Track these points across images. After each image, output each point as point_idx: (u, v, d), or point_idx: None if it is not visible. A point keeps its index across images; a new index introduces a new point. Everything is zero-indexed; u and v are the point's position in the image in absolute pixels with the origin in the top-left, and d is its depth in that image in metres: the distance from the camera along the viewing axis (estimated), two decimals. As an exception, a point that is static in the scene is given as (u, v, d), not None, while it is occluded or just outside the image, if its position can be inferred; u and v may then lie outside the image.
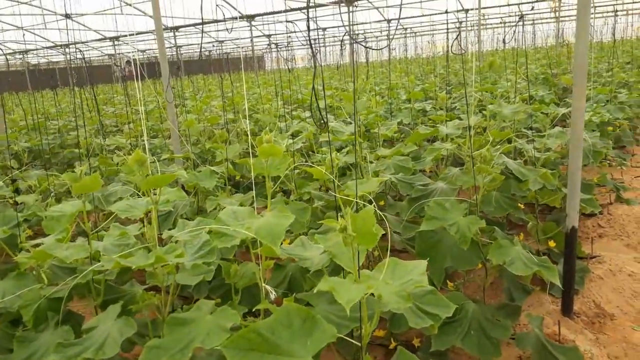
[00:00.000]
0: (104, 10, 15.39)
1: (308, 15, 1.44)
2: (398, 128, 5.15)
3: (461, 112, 5.40)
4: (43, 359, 1.70)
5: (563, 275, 2.92)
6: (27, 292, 1.99)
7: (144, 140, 6.02)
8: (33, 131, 7.63)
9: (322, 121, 1.54)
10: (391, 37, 19.27)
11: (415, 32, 26.28)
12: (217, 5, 2.66)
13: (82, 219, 1.91)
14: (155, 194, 1.67)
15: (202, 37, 2.75)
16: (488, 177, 2.44)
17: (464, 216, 2.26)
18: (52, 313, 1.98)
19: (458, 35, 2.34)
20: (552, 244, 3.38)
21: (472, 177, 2.38)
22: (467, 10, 16.76)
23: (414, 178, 3.04)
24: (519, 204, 3.55)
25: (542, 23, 22.25)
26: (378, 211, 3.09)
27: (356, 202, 1.63)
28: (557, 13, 16.23)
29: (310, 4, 14.57)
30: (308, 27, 1.47)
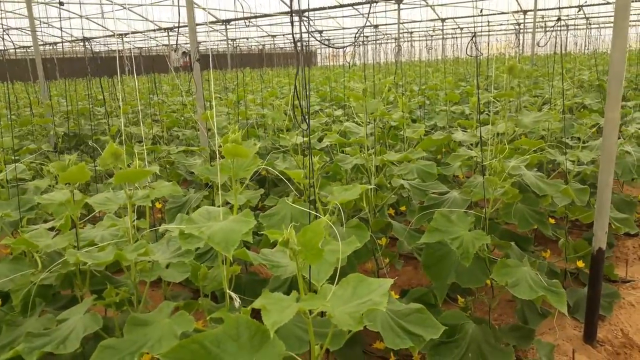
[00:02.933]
0: (160, 2, 15.82)
1: (291, 13, 1.35)
2: (432, 131, 4.96)
3: (500, 117, 5.14)
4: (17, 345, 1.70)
5: (587, 300, 2.71)
6: (19, 276, 2.02)
7: (180, 131, 6.09)
8: (82, 116, 7.91)
9: (305, 122, 1.44)
10: (438, 37, 18.86)
11: (472, 33, 25.47)
12: (236, -2, 2.59)
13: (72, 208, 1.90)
14: (131, 189, 1.63)
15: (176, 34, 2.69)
16: (500, 190, 2.27)
17: (470, 230, 2.11)
18: (40, 299, 1.99)
19: (472, 37, 2.18)
20: (580, 264, 3.14)
21: (482, 188, 2.22)
22: (525, 12, 16.10)
23: (430, 185, 2.89)
24: (551, 219, 3.32)
25: (609, 27, 21.07)
26: (388, 218, 2.97)
27: (315, 215, 1.52)
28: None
29: (362, 1, 14.37)
30: (292, 22, 1.38)
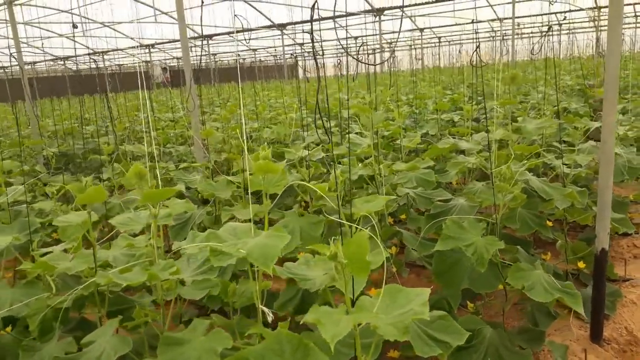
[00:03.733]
0: (142, 19, 15.78)
1: (312, 27, 1.38)
2: (423, 139, 5.03)
3: (489, 124, 5.24)
4: (39, 371, 1.68)
5: (592, 300, 2.76)
6: (35, 300, 1.99)
7: (173, 147, 6.07)
8: (69, 136, 7.82)
9: (328, 136, 1.47)
10: (418, 46, 19.13)
11: (449, 41, 25.95)
12: (234, 15, 2.62)
13: (100, 227, 1.89)
14: (162, 207, 1.64)
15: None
16: (509, 196, 2.32)
17: (482, 236, 2.15)
18: (57, 323, 1.97)
19: (477, 48, 2.24)
20: (581, 265, 3.21)
21: (492, 194, 2.27)
22: (501, 20, 16.46)
23: (434, 193, 2.93)
24: (548, 221, 3.39)
25: (580, 32, 21.64)
26: (395, 227, 3.00)
27: (351, 226, 1.55)
28: (596, 22, 15.74)
29: (341, 13, 14.53)
30: (312, 38, 1.42)
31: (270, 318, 1.41)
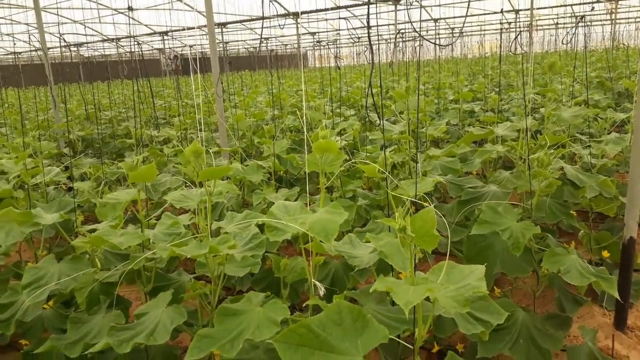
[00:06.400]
0: (155, 6, 15.82)
1: (369, 12, 1.41)
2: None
3: (511, 114, 5.25)
4: (96, 340, 1.74)
5: (618, 287, 2.79)
6: (82, 275, 2.06)
7: (194, 132, 6.14)
8: (85, 121, 7.91)
9: (370, 119, 1.51)
10: (439, 36, 19.00)
11: (463, 33, 25.74)
12: (270, 1, 2.67)
13: (136, 207, 1.95)
14: (209, 186, 1.69)
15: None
16: (544, 182, 2.35)
17: (517, 222, 2.19)
18: (103, 297, 2.04)
19: (518, 35, 2.26)
20: (605, 254, 3.24)
21: (527, 181, 2.30)
22: (517, 11, 16.32)
23: (464, 180, 2.97)
24: (572, 212, 3.42)
25: (595, 25, 21.43)
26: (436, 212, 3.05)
27: (414, 201, 1.60)
28: (613, 15, 15.58)
29: (358, 2, 14.49)
30: (368, 23, 1.45)
31: (322, 292, 1.46)
